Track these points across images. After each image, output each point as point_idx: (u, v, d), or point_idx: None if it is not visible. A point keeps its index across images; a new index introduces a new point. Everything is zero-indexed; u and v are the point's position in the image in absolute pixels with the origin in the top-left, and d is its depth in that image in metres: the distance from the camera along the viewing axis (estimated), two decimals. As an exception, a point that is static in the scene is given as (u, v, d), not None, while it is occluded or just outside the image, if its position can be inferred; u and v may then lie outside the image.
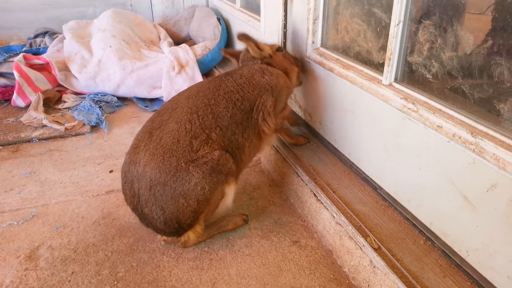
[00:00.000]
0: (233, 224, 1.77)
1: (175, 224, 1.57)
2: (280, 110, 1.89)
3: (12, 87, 2.96)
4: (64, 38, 3.43)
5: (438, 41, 1.40)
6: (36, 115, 2.71)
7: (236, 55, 2.09)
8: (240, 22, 3.22)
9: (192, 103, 1.67)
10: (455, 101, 1.36)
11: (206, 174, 1.52)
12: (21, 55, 3.08)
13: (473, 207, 1.27)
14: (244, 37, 1.93)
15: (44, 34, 3.79)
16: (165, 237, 1.69)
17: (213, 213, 1.65)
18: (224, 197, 1.62)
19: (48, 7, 4.17)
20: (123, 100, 3.14)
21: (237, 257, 1.66)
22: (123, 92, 3.09)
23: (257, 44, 1.95)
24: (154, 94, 3.12)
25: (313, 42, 2.10)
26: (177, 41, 3.76)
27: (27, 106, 2.85)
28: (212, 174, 1.53)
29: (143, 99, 3.14)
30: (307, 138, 2.17)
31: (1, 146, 2.51)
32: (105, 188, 2.11)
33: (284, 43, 2.38)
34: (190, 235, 1.64)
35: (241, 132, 1.69)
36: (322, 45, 2.09)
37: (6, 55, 3.35)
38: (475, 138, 1.22)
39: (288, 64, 2.01)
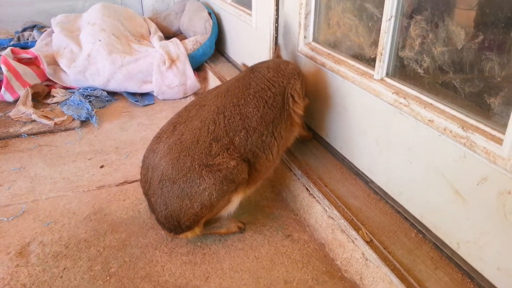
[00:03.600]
0: (226, 229, 1.74)
1: (175, 222, 1.57)
2: (303, 97, 1.88)
3: (0, 81, 2.91)
4: (52, 32, 3.38)
5: (430, 36, 1.41)
6: (24, 110, 2.67)
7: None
8: (231, 17, 3.21)
9: (220, 102, 1.65)
10: (446, 96, 1.37)
11: (217, 181, 1.51)
12: (9, 49, 3.04)
13: (464, 200, 1.29)
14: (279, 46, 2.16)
15: (32, 28, 3.73)
16: (165, 231, 1.70)
17: (214, 217, 1.66)
18: (228, 204, 1.62)
19: (36, 1, 4.12)
20: (113, 94, 3.11)
21: (230, 251, 1.67)
22: (113, 86, 3.07)
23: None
24: (144, 88, 3.10)
25: (304, 37, 2.10)
26: (168, 35, 3.73)
27: (16, 101, 2.81)
28: (224, 182, 1.52)
29: (133, 94, 3.12)
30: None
31: (-11, 141, 2.47)
32: (96, 184, 2.10)
33: (276, 38, 2.37)
34: (188, 235, 1.64)
35: (271, 132, 1.66)
36: (314, 39, 2.09)
37: (-7, 49, 3.30)
38: (466, 132, 1.24)
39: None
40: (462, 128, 1.25)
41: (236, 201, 1.63)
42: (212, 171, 1.52)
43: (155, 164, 1.59)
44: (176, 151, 1.55)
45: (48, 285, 1.51)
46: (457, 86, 1.34)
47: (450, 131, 1.28)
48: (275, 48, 2.14)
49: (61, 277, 1.54)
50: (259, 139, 1.63)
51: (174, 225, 1.59)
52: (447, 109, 1.33)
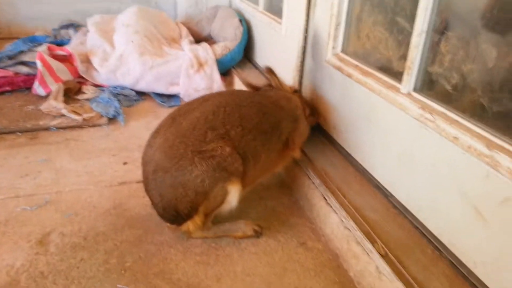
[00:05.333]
0: (242, 232, 1.74)
1: (173, 211, 1.59)
2: (301, 132, 1.97)
3: (34, 75, 3.02)
4: (88, 31, 3.50)
5: (460, 53, 1.39)
6: (55, 104, 2.76)
7: (258, 89, 2.13)
8: (262, 25, 3.24)
9: (223, 98, 1.72)
10: (473, 114, 1.35)
11: (209, 168, 1.52)
12: (45, 45, 3.16)
13: (485, 220, 1.26)
14: (270, 70, 2.05)
15: (68, 26, 3.87)
16: (168, 224, 1.72)
17: (216, 209, 1.64)
18: (226, 195, 1.60)
19: (74, 1, 4.27)
20: (141, 94, 3.18)
21: (244, 255, 1.67)
22: (141, 86, 3.14)
23: (280, 81, 2.07)
24: (171, 90, 3.16)
25: (333, 47, 2.10)
26: (199, 40, 3.79)
27: (48, 95, 2.91)
28: (216, 169, 1.53)
29: (160, 95, 3.18)
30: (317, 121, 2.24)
31: (20, 132, 2.56)
32: (118, 179, 2.14)
33: (304, 47, 2.38)
34: (190, 226, 1.64)
35: (262, 142, 1.70)
36: (343, 50, 2.09)
37: (31, 44, 3.42)
38: (490, 151, 1.21)
39: (303, 105, 2.06)
40: (487, 147, 1.22)
41: (233, 192, 1.60)
42: (205, 158, 1.52)
43: (150, 157, 1.62)
44: (171, 140, 1.57)
45: (64, 274, 1.54)
46: (485, 104, 1.31)
47: (475, 149, 1.26)
48: (269, 75, 2.07)
49: (78, 267, 1.58)
50: (252, 142, 1.66)
51: (173, 215, 1.61)
52: (473, 127, 1.31)
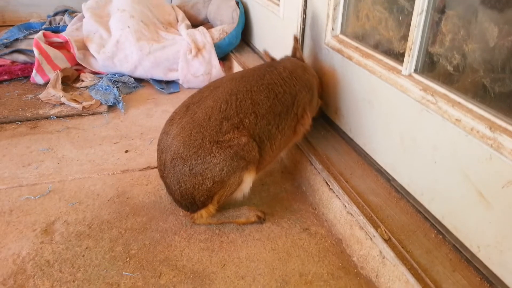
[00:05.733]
0: (245, 218, 1.76)
1: (190, 199, 1.63)
2: (315, 105, 2.00)
3: (32, 64, 3.00)
4: (83, 17, 3.45)
5: (461, 32, 1.37)
6: (54, 92, 2.74)
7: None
8: (259, 7, 3.19)
9: (234, 85, 1.72)
10: (475, 95, 1.34)
11: (227, 157, 1.56)
12: (41, 32, 3.11)
13: (487, 203, 1.26)
14: (297, 40, 2.13)
15: (63, 12, 3.81)
16: (183, 210, 1.76)
17: (229, 197, 1.67)
18: (241, 183, 1.64)
19: (68, -14, 4.20)
20: (139, 81, 3.16)
21: (247, 241, 1.68)
22: (140, 73, 3.11)
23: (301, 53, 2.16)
24: (170, 76, 3.14)
25: (332, 29, 2.07)
26: (195, 23, 3.75)
27: (46, 84, 2.89)
28: (234, 158, 1.57)
29: (159, 81, 3.15)
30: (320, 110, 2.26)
31: (20, 122, 2.55)
32: (121, 167, 2.14)
33: (303, 29, 2.35)
34: (203, 213, 1.68)
35: (277, 124, 1.72)
36: (342, 32, 2.07)
37: (26, 32, 3.39)
38: (493, 133, 1.21)
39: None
40: (490, 128, 1.22)
41: (248, 181, 1.66)
42: (223, 148, 1.56)
43: (167, 145, 1.65)
44: (188, 129, 1.61)
45: (70, 262, 1.56)
46: (487, 85, 1.30)
47: (477, 131, 1.25)
48: (294, 44, 2.14)
49: (83, 256, 1.59)
50: (266, 127, 1.69)
51: (190, 202, 1.65)
52: (475, 109, 1.30)
